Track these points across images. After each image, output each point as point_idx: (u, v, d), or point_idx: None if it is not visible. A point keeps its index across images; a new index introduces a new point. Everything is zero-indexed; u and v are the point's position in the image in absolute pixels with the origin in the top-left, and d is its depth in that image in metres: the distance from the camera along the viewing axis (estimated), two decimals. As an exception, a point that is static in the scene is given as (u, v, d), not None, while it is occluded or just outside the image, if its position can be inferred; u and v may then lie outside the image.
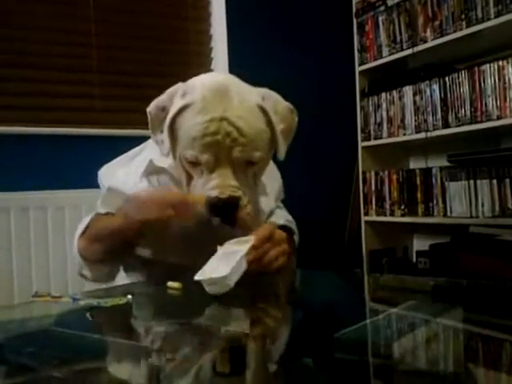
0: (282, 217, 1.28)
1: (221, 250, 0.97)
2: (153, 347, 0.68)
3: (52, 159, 2.12)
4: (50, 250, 2.00)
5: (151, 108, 1.06)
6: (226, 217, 0.98)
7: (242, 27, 2.55)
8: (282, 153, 1.07)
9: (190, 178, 1.04)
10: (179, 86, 1.04)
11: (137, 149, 1.25)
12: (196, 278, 0.88)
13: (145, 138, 1.26)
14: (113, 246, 1.10)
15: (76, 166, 2.10)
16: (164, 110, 1.03)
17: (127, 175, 1.17)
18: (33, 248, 1.97)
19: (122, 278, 1.25)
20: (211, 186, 0.98)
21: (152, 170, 1.14)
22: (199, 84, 1.04)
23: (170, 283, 0.95)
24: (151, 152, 1.16)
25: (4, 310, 1.13)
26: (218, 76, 1.16)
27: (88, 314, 0.83)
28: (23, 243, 1.96)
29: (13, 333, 0.79)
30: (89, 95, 2.26)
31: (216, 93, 1.00)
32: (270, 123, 1.04)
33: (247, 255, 0.95)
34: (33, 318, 0.93)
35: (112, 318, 0.84)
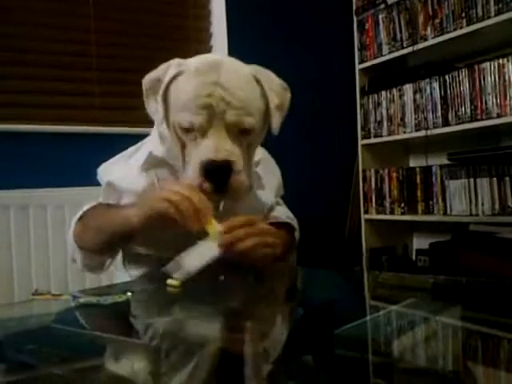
0: (283, 213, 1.28)
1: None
2: (152, 345, 0.68)
3: (52, 157, 2.12)
4: (49, 247, 2.00)
5: (146, 80, 1.07)
6: (218, 181, 0.97)
7: (241, 25, 2.55)
8: (276, 127, 1.07)
9: (183, 147, 1.03)
10: (174, 60, 1.06)
11: (135, 146, 1.25)
12: (162, 270, 0.91)
13: (145, 136, 1.27)
14: (107, 239, 1.10)
15: (76, 164, 2.10)
16: (159, 80, 1.04)
17: (126, 171, 1.17)
18: (33, 246, 1.97)
19: (123, 276, 1.25)
20: (205, 149, 0.97)
21: (151, 163, 1.14)
22: (194, 58, 1.06)
23: (169, 281, 0.95)
24: (150, 146, 1.16)
25: (4, 307, 1.13)
26: (213, 55, 1.17)
27: (88, 312, 0.83)
28: (23, 241, 1.96)
29: (13, 330, 0.79)
30: (88, 93, 2.26)
31: (210, 63, 1.02)
32: (264, 95, 1.04)
33: (220, 239, 0.94)
34: (33, 316, 0.93)
35: (112, 316, 0.84)
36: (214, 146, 0.96)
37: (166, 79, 1.02)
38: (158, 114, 1.04)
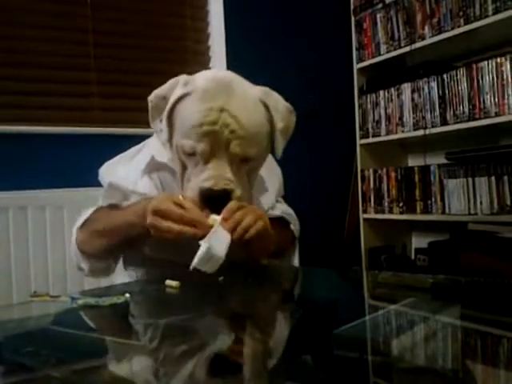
0: (279, 209, 1.28)
1: None
2: (151, 346, 0.68)
3: (50, 158, 2.11)
4: (48, 249, 1.99)
5: (152, 97, 1.06)
6: (217, 209, 0.97)
7: (239, 25, 2.55)
8: (279, 151, 1.08)
9: (184, 168, 1.03)
10: (181, 77, 1.04)
11: (137, 147, 1.25)
12: (191, 267, 0.90)
13: (144, 137, 1.26)
14: (115, 242, 1.10)
15: (74, 165, 2.10)
16: (165, 98, 1.03)
17: (128, 172, 1.17)
18: (31, 247, 1.97)
19: (121, 277, 1.25)
20: (205, 176, 0.97)
21: (153, 166, 1.14)
22: (201, 75, 1.05)
23: (168, 281, 0.95)
24: (152, 149, 1.16)
25: (3, 309, 1.13)
26: (220, 71, 1.16)
27: (86, 313, 0.83)
28: (22, 242, 1.95)
29: (11, 332, 0.79)
30: (87, 94, 2.26)
31: (218, 84, 1.01)
32: (270, 119, 1.04)
33: (224, 226, 0.94)
34: (31, 318, 0.93)
35: (110, 317, 0.84)
36: (215, 175, 0.97)
37: (171, 100, 1.01)
38: (163, 135, 1.04)
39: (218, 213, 0.97)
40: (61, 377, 0.55)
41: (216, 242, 0.91)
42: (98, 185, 1.25)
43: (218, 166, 0.97)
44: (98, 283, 1.47)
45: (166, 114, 1.01)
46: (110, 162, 1.25)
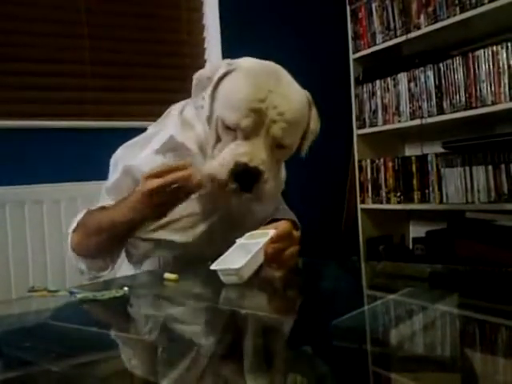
0: (288, 212, 1.28)
1: (239, 241, 0.97)
2: (149, 339, 0.68)
3: (47, 153, 2.11)
4: (46, 243, 1.99)
5: (197, 75, 1.06)
6: (244, 185, 0.96)
7: (234, 16, 2.53)
8: (305, 150, 1.10)
9: (218, 140, 1.02)
10: (224, 60, 1.05)
11: (151, 131, 1.21)
12: (212, 267, 0.88)
13: (140, 130, 1.24)
14: (109, 238, 1.09)
15: (71, 160, 2.09)
16: (209, 78, 1.02)
17: (146, 155, 1.14)
18: (29, 242, 1.97)
19: (124, 270, 1.25)
20: (242, 151, 0.95)
21: (170, 146, 1.12)
22: (244, 59, 1.05)
23: (166, 275, 0.95)
24: (171, 130, 1.13)
25: (1, 304, 1.13)
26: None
27: (85, 308, 0.83)
28: (19, 238, 1.95)
29: (10, 327, 0.79)
30: (81, 87, 2.25)
31: (265, 66, 1.02)
32: (309, 116, 1.05)
33: (266, 248, 0.95)
34: (30, 313, 0.93)
35: (109, 311, 0.84)
36: (251, 152, 0.95)
37: (217, 76, 1.00)
38: (204, 111, 1.03)
39: (243, 189, 0.96)
40: (60, 371, 0.56)
41: (250, 263, 0.90)
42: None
43: (255, 144, 0.96)
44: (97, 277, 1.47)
45: (211, 87, 1.01)
46: (127, 144, 1.22)
